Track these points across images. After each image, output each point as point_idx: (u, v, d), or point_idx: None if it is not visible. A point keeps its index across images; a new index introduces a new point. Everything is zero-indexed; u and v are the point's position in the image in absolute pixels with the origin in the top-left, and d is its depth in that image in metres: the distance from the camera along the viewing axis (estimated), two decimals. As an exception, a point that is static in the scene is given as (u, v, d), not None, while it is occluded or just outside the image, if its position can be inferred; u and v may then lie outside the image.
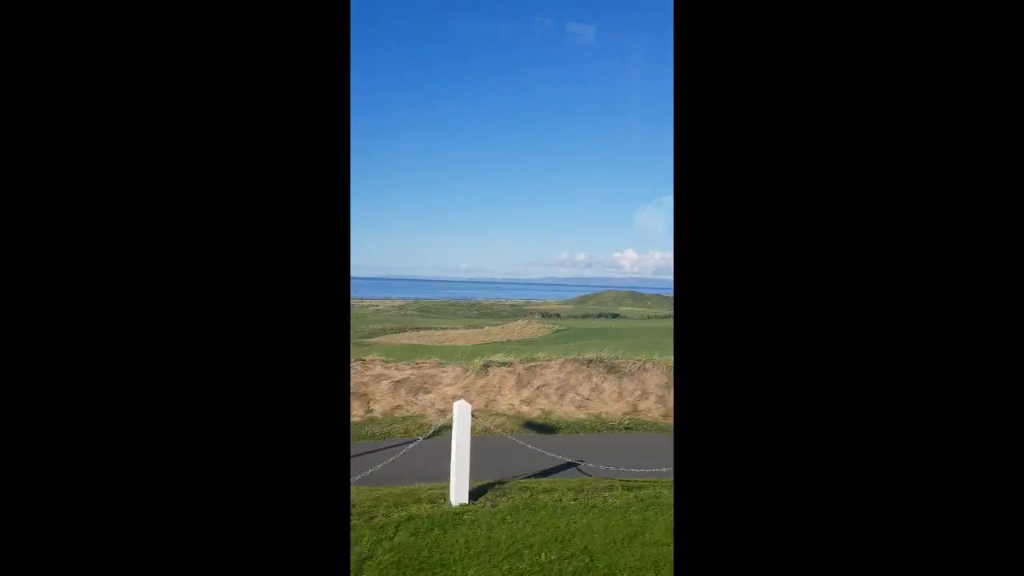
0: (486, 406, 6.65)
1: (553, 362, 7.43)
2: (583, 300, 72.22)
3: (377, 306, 57.64)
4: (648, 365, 7.40)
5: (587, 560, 3.24)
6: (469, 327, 36.95)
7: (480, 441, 4.98)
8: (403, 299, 71.67)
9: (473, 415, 6.45)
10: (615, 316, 42.71)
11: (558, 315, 41.64)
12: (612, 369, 7.31)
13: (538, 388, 6.95)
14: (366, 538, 3.47)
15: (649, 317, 43.36)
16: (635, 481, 4.52)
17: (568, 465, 4.87)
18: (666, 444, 5.75)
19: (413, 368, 7.17)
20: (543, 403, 6.74)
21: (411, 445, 5.00)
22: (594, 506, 3.95)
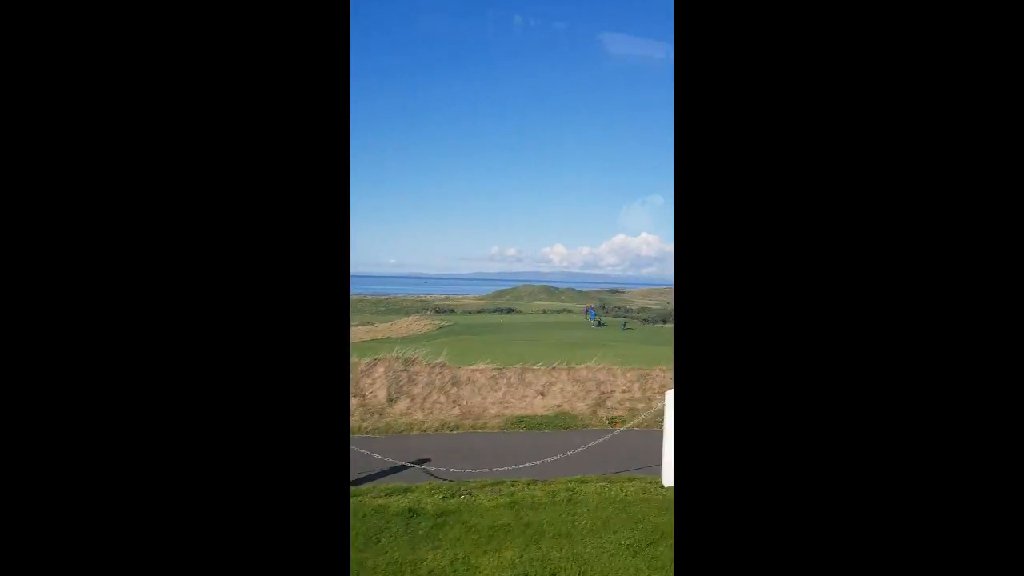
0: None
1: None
2: (499, 295, 72.56)
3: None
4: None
5: None
6: (360, 324, 36.20)
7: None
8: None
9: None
10: (511, 311, 43.08)
11: (452, 311, 41.48)
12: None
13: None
14: None
15: (545, 311, 44.03)
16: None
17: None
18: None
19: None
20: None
21: None
22: None
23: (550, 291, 73.68)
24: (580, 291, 78.64)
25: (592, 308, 39.35)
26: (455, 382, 7.11)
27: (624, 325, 34.42)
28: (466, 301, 60.74)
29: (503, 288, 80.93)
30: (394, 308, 55.71)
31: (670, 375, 8.15)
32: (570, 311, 41.83)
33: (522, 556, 3.42)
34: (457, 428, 6.40)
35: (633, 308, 50.10)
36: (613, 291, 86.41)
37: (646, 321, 39.56)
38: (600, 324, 34.36)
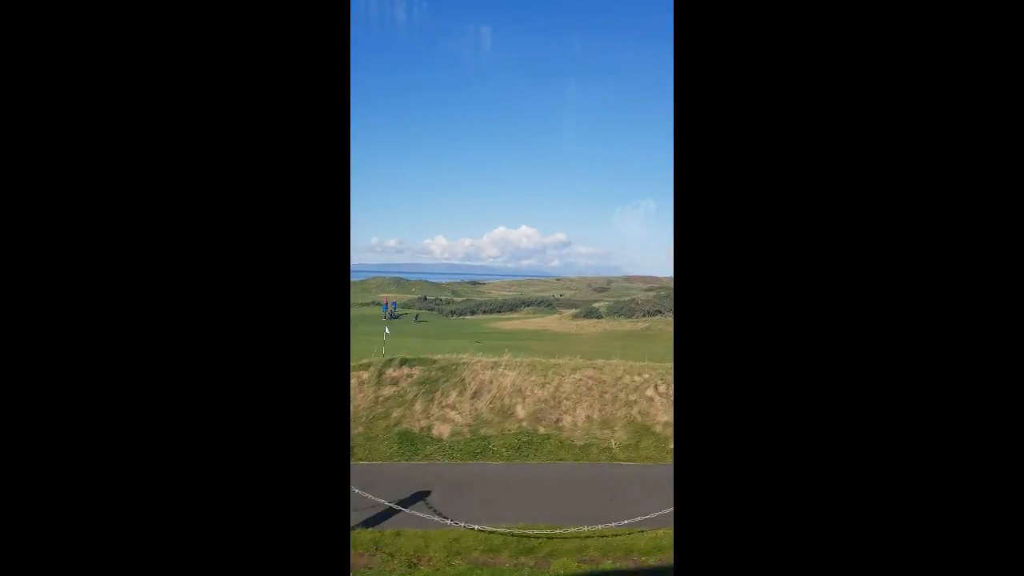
0: None
1: None
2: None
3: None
4: None
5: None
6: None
7: None
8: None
9: None
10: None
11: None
12: None
13: None
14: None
15: (364, 304, 42.88)
16: None
17: None
18: None
19: None
20: None
21: None
22: None
23: (400, 283, 72.28)
24: (434, 283, 78.08)
25: (394, 302, 38.93)
26: None
27: (416, 317, 34.34)
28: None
29: (354, 280, 78.31)
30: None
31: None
32: (379, 304, 40.86)
33: None
34: None
35: (458, 299, 50.42)
36: (474, 283, 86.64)
37: (453, 313, 39.82)
38: (393, 316, 33.96)
